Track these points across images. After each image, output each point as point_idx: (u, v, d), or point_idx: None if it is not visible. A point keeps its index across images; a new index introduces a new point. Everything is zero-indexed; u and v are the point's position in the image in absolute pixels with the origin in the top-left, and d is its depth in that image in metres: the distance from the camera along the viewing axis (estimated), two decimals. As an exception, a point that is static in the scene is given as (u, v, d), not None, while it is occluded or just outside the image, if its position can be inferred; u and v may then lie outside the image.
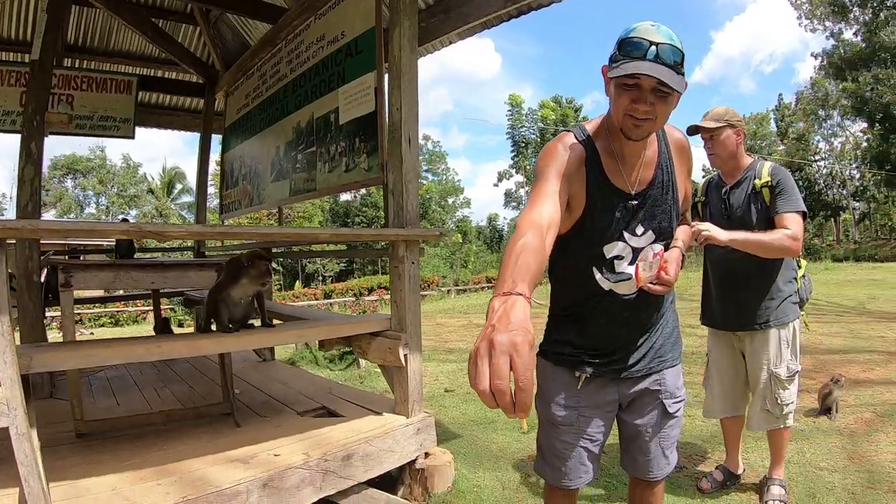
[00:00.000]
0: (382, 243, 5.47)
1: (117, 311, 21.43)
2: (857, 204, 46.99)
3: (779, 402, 2.86)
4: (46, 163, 47.59)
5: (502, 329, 0.92)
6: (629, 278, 1.73)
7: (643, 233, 1.73)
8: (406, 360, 2.96)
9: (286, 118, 4.49)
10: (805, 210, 2.70)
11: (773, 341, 2.85)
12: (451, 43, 4.42)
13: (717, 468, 3.31)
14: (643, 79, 1.45)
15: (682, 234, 1.91)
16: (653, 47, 1.45)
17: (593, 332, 1.86)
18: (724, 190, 2.98)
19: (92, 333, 16.27)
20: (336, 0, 3.97)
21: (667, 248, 1.79)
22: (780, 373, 2.84)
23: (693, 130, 2.87)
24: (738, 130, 2.89)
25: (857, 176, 44.92)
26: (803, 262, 3.07)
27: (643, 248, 1.73)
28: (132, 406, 3.65)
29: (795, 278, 2.93)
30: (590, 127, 1.72)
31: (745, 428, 3.21)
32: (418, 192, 3.01)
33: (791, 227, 2.58)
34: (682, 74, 1.48)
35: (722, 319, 3.08)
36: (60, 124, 5.62)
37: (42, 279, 4.14)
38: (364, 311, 10.27)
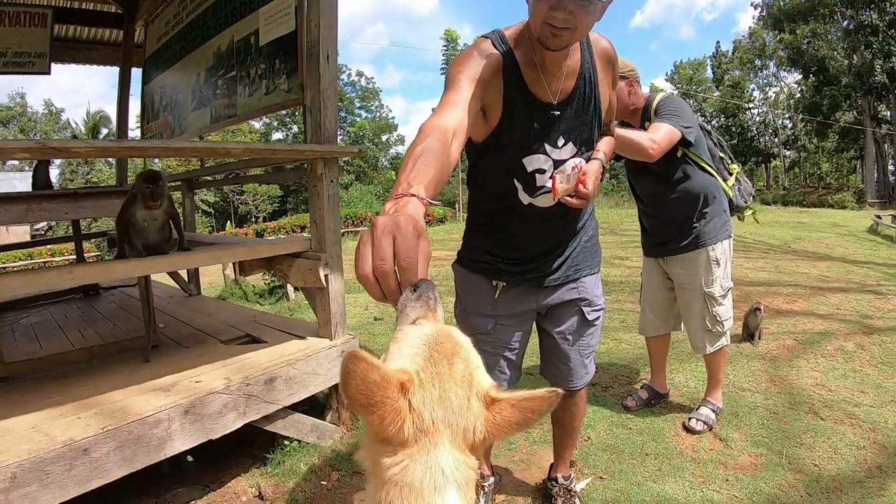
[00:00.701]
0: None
1: (44, 262, 20.58)
2: (788, 152, 48.82)
3: (718, 318, 2.97)
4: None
5: (386, 215, 0.86)
6: (549, 191, 1.70)
7: (564, 144, 1.69)
8: (327, 281, 2.93)
9: (206, 44, 4.25)
10: (678, 129, 2.66)
11: (702, 263, 2.94)
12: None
13: (642, 387, 3.47)
14: None
15: (604, 145, 1.84)
16: None
17: (511, 241, 1.86)
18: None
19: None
20: (257, -84, 3.74)
21: (589, 161, 1.76)
22: (713, 292, 2.94)
23: None
24: (630, 81, 2.92)
25: (789, 125, 46.53)
26: (734, 168, 3.15)
27: (565, 161, 1.70)
28: (56, 348, 3.53)
29: (716, 198, 2.96)
30: (509, 34, 1.62)
31: (669, 349, 3.37)
32: (337, 108, 2.92)
33: (654, 132, 2.60)
34: None
35: (648, 247, 3.21)
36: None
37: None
38: None
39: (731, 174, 3.14)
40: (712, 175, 2.95)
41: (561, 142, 1.69)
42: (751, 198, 3.20)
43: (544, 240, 1.86)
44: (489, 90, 1.55)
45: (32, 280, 2.36)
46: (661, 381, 3.43)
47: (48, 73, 6.17)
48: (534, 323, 2.06)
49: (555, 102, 1.63)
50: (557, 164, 1.70)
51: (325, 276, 2.88)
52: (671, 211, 2.97)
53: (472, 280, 1.94)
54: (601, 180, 1.75)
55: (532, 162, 1.69)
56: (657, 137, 2.56)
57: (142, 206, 2.58)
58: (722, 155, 3.11)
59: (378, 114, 57.66)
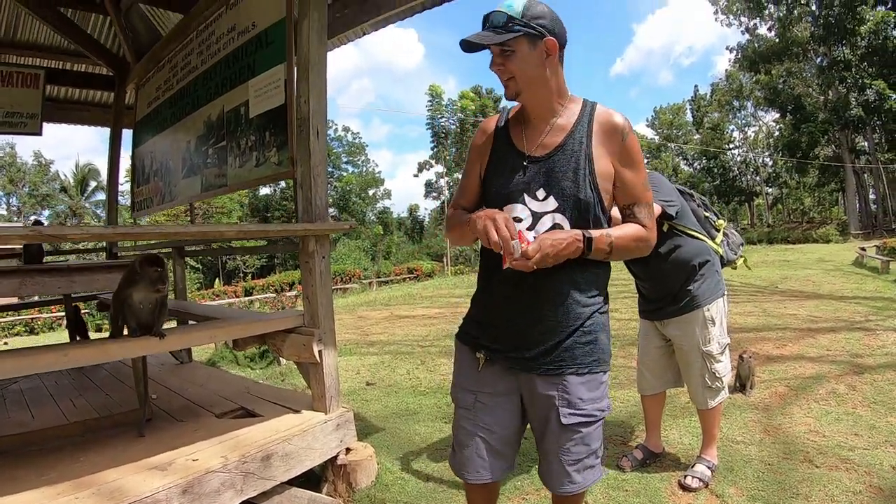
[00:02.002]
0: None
1: (31, 319, 20.28)
2: (770, 189, 49.76)
3: (718, 375, 3.01)
4: (-48, 162, 44.67)
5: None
6: None
7: (545, 197, 1.70)
8: (321, 356, 2.93)
9: (197, 112, 4.33)
10: (659, 204, 2.74)
11: (698, 323, 2.99)
12: (364, 34, 4.37)
13: (637, 447, 3.44)
14: (490, 47, 1.65)
15: (617, 229, 1.72)
16: (488, 17, 1.66)
17: (492, 308, 1.82)
18: None
19: (6, 343, 15.33)
20: (247, -10, 3.86)
21: (575, 225, 1.68)
22: (710, 350, 2.98)
23: None
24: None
25: (770, 163, 47.44)
26: (720, 224, 3.23)
27: (544, 215, 1.70)
28: (48, 418, 3.47)
29: (709, 260, 3.02)
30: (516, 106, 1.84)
31: (664, 407, 3.39)
32: (327, 185, 2.98)
33: None
34: (517, 31, 1.60)
35: (645, 311, 3.27)
36: (-41, 124, 5.25)
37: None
38: (283, 308, 10.05)
39: (718, 231, 3.21)
40: (701, 239, 3.02)
41: (541, 194, 1.70)
42: (740, 248, 3.28)
43: (521, 312, 1.73)
44: (483, 153, 1.85)
45: (29, 362, 2.33)
46: (656, 439, 3.42)
47: (40, 133, 6.26)
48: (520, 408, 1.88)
49: (527, 153, 1.74)
50: (536, 216, 1.70)
51: (319, 351, 2.89)
52: (666, 281, 3.04)
53: (461, 350, 1.91)
54: (568, 252, 1.61)
55: (511, 210, 1.72)
56: None
57: (147, 288, 2.60)
58: (707, 214, 3.20)
59: (364, 168, 58.30)
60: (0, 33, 6.34)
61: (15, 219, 45.09)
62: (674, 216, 2.89)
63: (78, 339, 5.28)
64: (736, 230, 3.39)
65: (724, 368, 3.04)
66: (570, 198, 1.68)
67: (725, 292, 3.10)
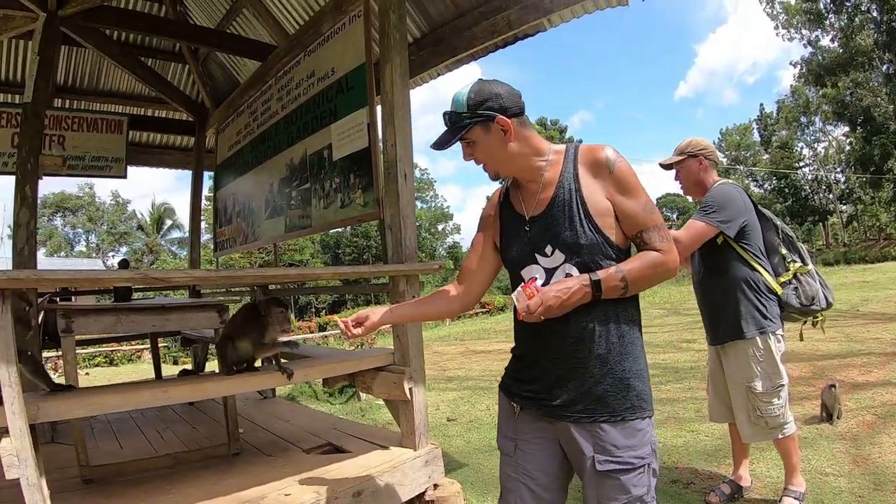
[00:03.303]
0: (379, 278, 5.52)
1: (111, 351, 21.14)
2: (844, 207, 47.45)
3: (762, 415, 2.90)
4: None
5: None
6: None
7: (552, 252, 1.71)
8: (411, 394, 2.97)
9: (279, 155, 4.53)
10: (713, 224, 2.84)
11: (742, 355, 2.92)
12: (439, 75, 4.50)
13: (724, 482, 3.33)
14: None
15: (628, 263, 1.67)
16: (445, 117, 1.73)
17: (519, 356, 1.87)
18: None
19: (87, 374, 16.06)
20: (325, 37, 4.04)
21: (587, 269, 1.66)
22: (754, 387, 2.89)
23: (665, 167, 3.17)
24: (701, 159, 3.05)
25: (843, 179, 45.43)
26: (796, 267, 3.04)
27: (555, 270, 1.71)
28: (136, 449, 3.62)
29: (757, 290, 2.94)
30: None
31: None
32: (415, 225, 3.05)
33: (683, 230, 2.79)
34: (467, 124, 1.68)
35: (707, 334, 3.23)
36: (54, 167, 5.59)
37: (39, 321, 4.12)
38: (362, 345, 10.17)
39: (787, 270, 3.08)
40: (755, 268, 2.94)
41: (549, 250, 1.72)
42: (813, 303, 3.00)
43: (547, 360, 1.73)
44: (493, 222, 1.93)
45: (129, 398, 2.44)
46: (744, 472, 3.31)
47: (124, 176, 6.57)
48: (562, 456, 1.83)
49: (527, 216, 1.78)
50: (549, 272, 1.72)
51: (410, 389, 2.93)
52: (710, 297, 3.05)
53: (501, 398, 1.93)
54: (576, 299, 1.60)
55: (528, 272, 1.76)
56: (681, 235, 2.74)
57: (274, 329, 2.71)
58: (784, 252, 3.06)
59: (433, 203, 58.82)
60: (86, 82, 6.86)
61: (94, 255, 47.57)
62: (731, 236, 2.88)
63: (188, 370, 5.46)
64: (826, 284, 3.10)
65: (774, 410, 2.89)
66: (572, 246, 1.68)
67: (777, 332, 2.95)
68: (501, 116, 1.67)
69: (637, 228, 1.69)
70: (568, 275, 1.67)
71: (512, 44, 3.94)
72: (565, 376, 1.69)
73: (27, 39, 4.98)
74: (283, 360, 2.87)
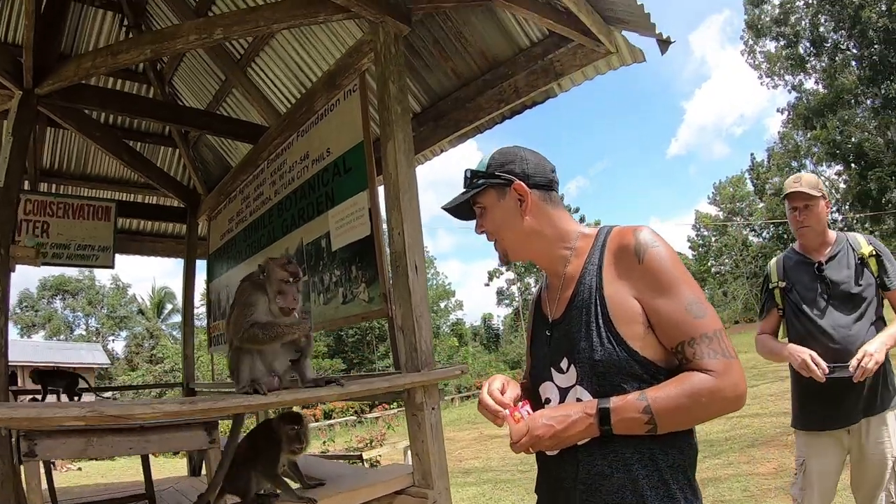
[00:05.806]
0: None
1: (110, 443, 20.45)
2: (847, 246, 47.36)
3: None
4: (35, 283, 47.47)
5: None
6: None
7: (568, 367, 1.33)
8: (438, 526, 2.50)
9: (273, 244, 4.19)
10: None
11: (892, 425, 2.44)
12: (442, 151, 4.21)
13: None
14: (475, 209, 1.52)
15: (653, 390, 1.22)
16: (465, 174, 1.52)
17: (538, 479, 1.50)
18: (815, 266, 2.62)
19: (80, 469, 15.32)
20: (319, 115, 3.77)
21: (605, 394, 1.25)
22: None
23: (792, 196, 2.63)
24: (828, 202, 2.63)
25: (840, 218, 45.49)
26: None
27: (568, 391, 1.33)
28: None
29: None
30: None
31: None
32: (431, 325, 2.67)
33: None
34: (480, 185, 1.45)
35: (834, 414, 2.55)
36: (27, 259, 5.23)
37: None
38: (371, 442, 9.48)
39: None
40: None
41: (565, 364, 1.34)
42: None
43: (558, 494, 1.37)
44: (530, 318, 1.61)
45: None
46: None
47: (112, 266, 6.26)
48: None
49: (550, 319, 1.44)
50: (563, 392, 1.35)
51: (436, 519, 2.48)
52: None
53: None
54: (574, 432, 1.23)
55: (544, 391, 1.41)
56: None
57: (286, 449, 2.43)
58: None
59: (434, 281, 58.74)
60: (71, 166, 6.57)
61: (94, 339, 47.02)
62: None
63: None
64: None
65: None
66: (586, 362, 1.29)
67: None
68: (519, 182, 1.40)
69: (678, 338, 1.24)
70: (578, 400, 1.29)
71: (520, 113, 3.66)
72: None
73: (3, 119, 4.68)
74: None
